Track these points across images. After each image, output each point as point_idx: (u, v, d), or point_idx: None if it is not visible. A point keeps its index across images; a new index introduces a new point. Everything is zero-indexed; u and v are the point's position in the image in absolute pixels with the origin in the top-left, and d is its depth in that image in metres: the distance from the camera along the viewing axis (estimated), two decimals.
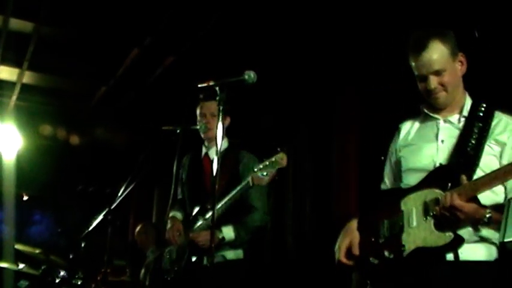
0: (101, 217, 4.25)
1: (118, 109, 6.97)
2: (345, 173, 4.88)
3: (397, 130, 2.56)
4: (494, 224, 2.07)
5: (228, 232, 3.23)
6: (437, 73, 2.24)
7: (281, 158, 2.92)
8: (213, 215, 2.57)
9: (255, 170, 2.95)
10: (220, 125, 2.46)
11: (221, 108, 2.47)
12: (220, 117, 2.47)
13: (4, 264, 4.75)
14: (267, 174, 2.91)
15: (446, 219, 2.09)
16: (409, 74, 2.38)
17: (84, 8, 4.70)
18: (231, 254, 3.32)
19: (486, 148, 2.20)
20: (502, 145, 2.20)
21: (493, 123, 2.24)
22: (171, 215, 3.47)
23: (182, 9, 4.48)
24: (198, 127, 3.45)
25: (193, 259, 3.23)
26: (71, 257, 4.99)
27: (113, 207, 4.13)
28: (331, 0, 4.08)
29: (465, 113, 2.30)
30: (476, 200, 2.08)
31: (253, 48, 4.72)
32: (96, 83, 6.43)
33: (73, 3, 4.69)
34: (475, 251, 2.12)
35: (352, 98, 4.98)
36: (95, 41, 5.36)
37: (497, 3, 3.46)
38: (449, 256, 2.12)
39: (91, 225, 4.42)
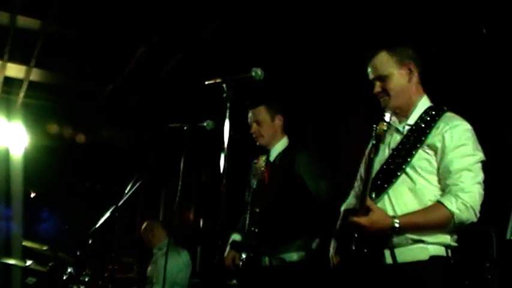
0: (108, 214, 4.27)
1: (125, 107, 6.98)
2: (353, 173, 4.85)
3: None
4: (411, 230, 2.21)
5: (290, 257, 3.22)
6: (381, 79, 2.40)
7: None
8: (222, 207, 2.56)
9: None
10: (227, 123, 2.46)
11: (228, 105, 2.47)
12: (227, 114, 2.47)
13: (12, 261, 4.78)
14: None
15: None
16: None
17: (91, 5, 4.71)
18: (294, 256, 3.25)
19: (420, 152, 2.30)
20: (435, 149, 2.29)
21: (433, 129, 2.32)
22: (231, 239, 3.44)
23: (189, 7, 4.48)
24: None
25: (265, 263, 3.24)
26: (78, 254, 5.01)
27: (120, 204, 4.15)
28: (340, 2, 4.07)
29: (411, 121, 2.40)
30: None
31: (260, 46, 4.71)
32: (103, 81, 6.45)
33: (80, 1, 4.70)
34: (409, 253, 2.24)
35: (359, 101, 4.96)
36: (102, 39, 5.37)
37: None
38: (389, 260, 2.25)
39: (98, 222, 4.43)
